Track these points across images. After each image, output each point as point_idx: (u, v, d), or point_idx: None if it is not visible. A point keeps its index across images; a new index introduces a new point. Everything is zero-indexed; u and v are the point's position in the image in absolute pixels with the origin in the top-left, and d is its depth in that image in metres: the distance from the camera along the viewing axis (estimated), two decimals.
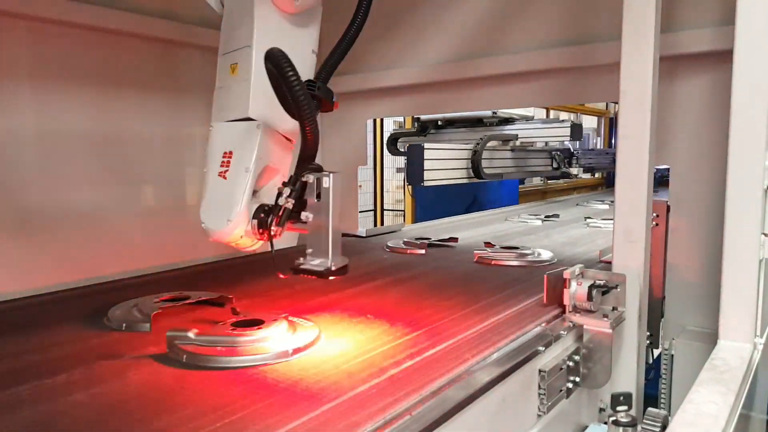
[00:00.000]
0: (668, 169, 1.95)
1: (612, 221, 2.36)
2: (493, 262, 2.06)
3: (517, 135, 4.20)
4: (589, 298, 1.38)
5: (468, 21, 2.41)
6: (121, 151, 2.04)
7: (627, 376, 1.50)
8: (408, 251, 2.31)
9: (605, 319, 1.36)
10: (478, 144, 3.74)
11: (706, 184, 1.92)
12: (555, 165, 4.74)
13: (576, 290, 1.41)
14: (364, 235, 2.64)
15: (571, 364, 1.35)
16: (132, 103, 2.05)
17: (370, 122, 4.51)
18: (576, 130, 4.21)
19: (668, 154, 1.95)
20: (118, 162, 2.02)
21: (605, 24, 2.04)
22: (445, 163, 3.50)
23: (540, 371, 1.24)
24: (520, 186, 6.42)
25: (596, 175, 7.23)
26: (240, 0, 1.28)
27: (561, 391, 1.32)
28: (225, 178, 1.30)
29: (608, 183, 7.51)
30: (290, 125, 1.30)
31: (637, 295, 1.46)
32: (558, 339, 1.33)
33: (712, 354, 1.36)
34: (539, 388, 1.24)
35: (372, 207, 6.02)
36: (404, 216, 5.84)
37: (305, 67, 1.35)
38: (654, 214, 1.73)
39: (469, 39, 2.42)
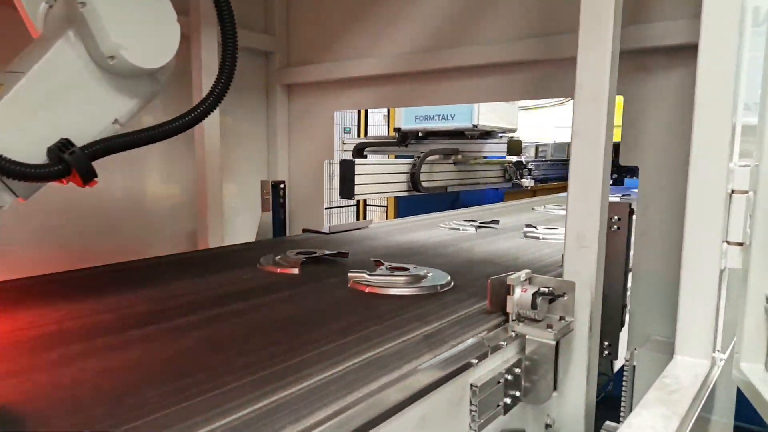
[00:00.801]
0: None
1: (554, 230, 2.32)
2: (367, 290, 1.55)
3: (458, 150, 4.23)
4: (534, 306, 1.28)
5: (437, 11, 2.30)
6: None
7: (576, 391, 1.39)
8: (278, 270, 1.79)
9: (549, 329, 1.25)
10: (417, 158, 3.86)
11: (677, 185, 1.80)
12: (507, 176, 4.92)
13: (520, 297, 1.30)
14: (327, 231, 2.53)
15: (510, 377, 1.25)
16: None
17: (344, 116, 4.32)
18: (513, 146, 4.47)
19: (638, 154, 1.84)
20: None
21: (578, 14, 1.92)
22: (379, 177, 3.58)
23: (472, 386, 1.14)
24: None
25: None
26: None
27: (498, 406, 1.21)
28: None
29: None
30: None
31: (588, 303, 1.36)
32: (497, 350, 1.23)
33: (665, 371, 1.26)
34: (470, 404, 1.14)
35: (354, 202, 5.91)
36: (386, 212, 5.73)
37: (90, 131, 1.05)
38: (615, 217, 1.62)
39: (439, 29, 2.32)
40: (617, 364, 1.83)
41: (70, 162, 0.99)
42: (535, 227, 2.62)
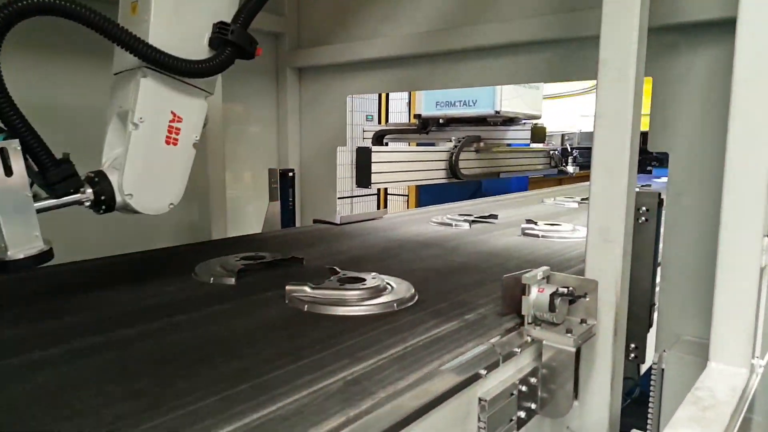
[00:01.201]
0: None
1: (555, 227, 2.18)
2: (306, 308, 1.26)
3: (479, 137, 4.11)
4: (551, 308, 1.16)
5: None
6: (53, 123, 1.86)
7: (599, 400, 1.27)
8: (212, 280, 1.50)
9: (569, 334, 1.13)
10: (456, 146, 3.80)
11: (709, 173, 1.65)
12: (553, 164, 4.87)
13: (536, 298, 1.18)
14: (338, 222, 2.43)
15: (524, 388, 1.13)
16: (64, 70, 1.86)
17: (366, 103, 4.19)
18: (538, 133, 4.28)
19: (667, 138, 1.69)
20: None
21: None
22: (398, 165, 3.45)
23: (480, 400, 1.03)
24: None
25: None
26: None
27: (511, 421, 1.10)
28: (176, 144, 1.21)
29: None
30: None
31: (613, 305, 1.23)
32: (510, 358, 1.11)
33: (698, 381, 1.12)
34: (479, 420, 1.03)
35: (375, 191, 5.79)
36: (407, 201, 5.61)
37: (218, 5, 1.20)
38: (643, 208, 1.48)
39: (456, 6, 2.18)
40: (644, 366, 1.69)
41: (236, 40, 1.16)
42: (534, 223, 2.36)
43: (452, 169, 3.82)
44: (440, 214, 2.68)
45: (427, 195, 5.46)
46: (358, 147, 3.36)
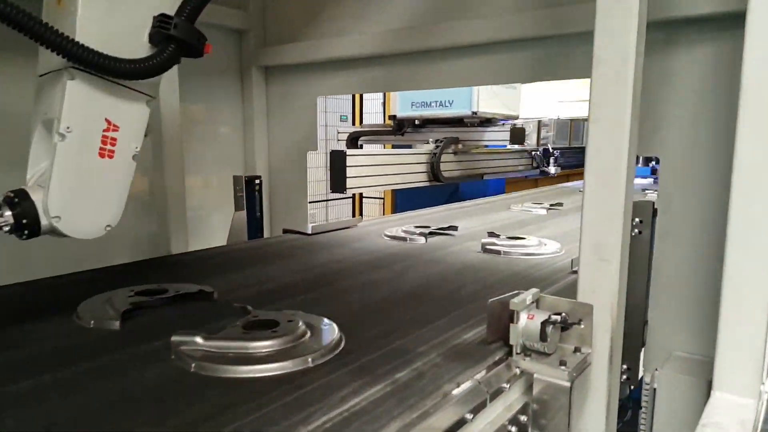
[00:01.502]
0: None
1: (518, 242, 2.02)
2: (193, 367, 0.97)
3: (457, 138, 4.04)
4: (543, 337, 1.03)
5: None
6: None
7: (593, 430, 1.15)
8: (92, 324, 1.21)
9: (562, 367, 1.01)
10: (437, 147, 3.71)
11: (704, 180, 1.56)
12: (534, 165, 4.85)
13: (525, 326, 1.06)
14: (310, 232, 2.28)
15: (513, 429, 1.01)
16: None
17: (339, 103, 4.03)
18: (516, 134, 4.21)
19: (658, 142, 1.59)
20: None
21: None
22: (374, 169, 3.31)
23: None
24: None
25: None
26: None
27: None
28: (111, 156, 1.05)
29: None
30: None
31: (608, 329, 1.11)
32: (498, 395, 0.99)
33: (704, 415, 1.01)
34: None
35: (350, 195, 5.65)
36: (383, 205, 5.48)
37: None
38: (636, 220, 1.38)
39: (432, 1, 2.06)
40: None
41: (180, 35, 1.02)
42: (497, 236, 2.13)
43: (433, 171, 3.74)
44: (397, 226, 2.46)
45: (403, 198, 5.34)
46: (332, 150, 3.23)
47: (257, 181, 2.25)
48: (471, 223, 2.62)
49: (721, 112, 1.51)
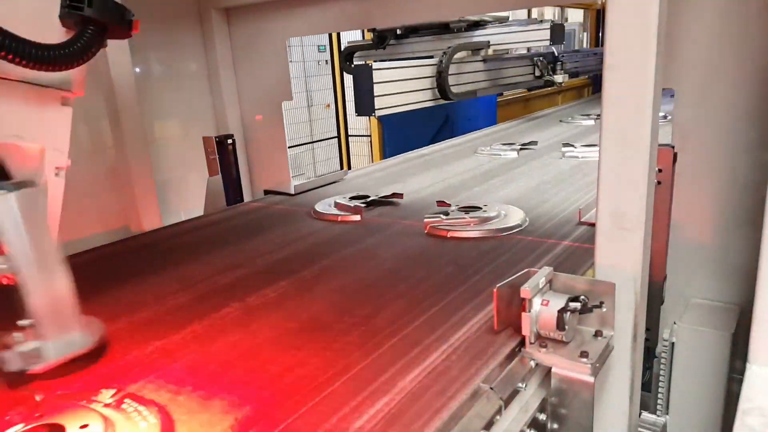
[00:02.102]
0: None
1: (475, 213, 1.68)
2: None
3: (488, 42, 3.55)
4: (560, 326, 0.91)
5: None
6: None
7: (615, 415, 1.05)
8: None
9: (583, 359, 0.89)
10: (442, 57, 3.09)
11: (723, 115, 1.41)
12: (537, 73, 4.13)
13: (540, 314, 0.93)
14: (293, 192, 2.12)
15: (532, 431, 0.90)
16: None
17: (302, 46, 3.81)
18: (557, 32, 3.54)
19: (673, 73, 1.42)
20: None
21: None
22: (401, 84, 2.85)
23: None
24: (498, 96, 5.78)
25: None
26: None
27: None
28: None
29: (595, 86, 6.92)
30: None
31: (632, 306, 0.98)
32: (514, 398, 0.87)
33: (743, 398, 0.90)
34: None
35: (335, 134, 5.41)
36: (371, 143, 5.26)
37: None
38: (656, 169, 1.22)
39: None
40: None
41: (94, 14, 0.81)
42: (445, 213, 1.65)
43: (440, 86, 3.13)
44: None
45: (391, 133, 5.13)
46: (356, 65, 2.86)
47: (230, 141, 2.06)
48: (421, 184, 2.23)
49: (744, 41, 1.33)
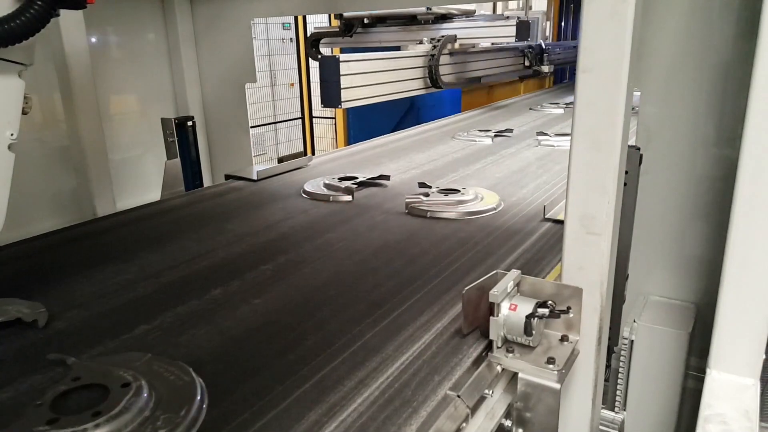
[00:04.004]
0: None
1: (453, 198, 1.70)
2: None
3: (455, 36, 3.59)
4: (528, 332, 0.90)
5: None
6: None
7: (578, 416, 1.06)
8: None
9: (550, 366, 0.88)
10: (434, 48, 3.24)
11: (685, 113, 1.43)
12: (527, 63, 4.50)
13: (508, 318, 0.91)
14: (255, 178, 2.06)
15: None
16: None
17: (266, 23, 3.71)
18: (522, 29, 3.68)
19: (639, 74, 1.42)
20: None
21: None
22: (368, 77, 2.81)
23: None
24: None
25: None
26: None
27: None
28: None
29: (557, 76, 6.98)
30: None
31: (597, 310, 0.98)
32: (480, 405, 0.86)
33: (704, 404, 0.92)
34: None
35: (299, 115, 5.30)
36: (335, 124, 5.19)
37: None
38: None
39: None
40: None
41: None
42: (427, 188, 1.78)
43: (432, 76, 3.31)
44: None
45: (355, 117, 5.07)
46: (323, 56, 2.82)
47: (190, 123, 1.98)
48: (407, 164, 2.27)
49: (710, 40, 1.34)
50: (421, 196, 1.67)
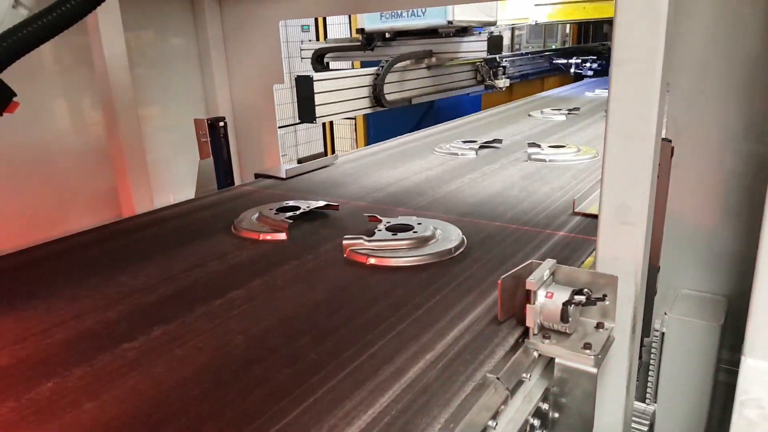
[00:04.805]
0: None
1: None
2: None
3: (431, 51, 3.66)
4: (564, 319, 0.92)
5: None
6: None
7: (612, 407, 1.08)
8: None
9: (587, 351, 0.90)
10: (380, 68, 3.19)
11: (715, 108, 1.43)
12: (479, 78, 4.23)
13: (544, 306, 0.94)
14: (284, 176, 2.10)
15: (536, 422, 0.91)
16: None
17: (285, 26, 3.75)
18: (494, 44, 3.74)
19: (669, 67, 1.43)
20: None
21: None
22: (344, 93, 2.91)
23: None
24: None
25: None
26: None
27: None
28: None
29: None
30: None
31: (632, 298, 1.00)
32: (518, 387, 0.89)
33: (739, 390, 0.93)
34: None
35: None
36: (355, 127, 5.23)
37: None
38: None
39: None
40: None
41: None
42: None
43: (376, 95, 3.20)
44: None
45: (375, 117, 5.10)
46: (298, 76, 2.93)
47: (222, 124, 2.03)
48: (373, 183, 2.01)
49: (738, 30, 1.35)
50: (363, 237, 1.34)
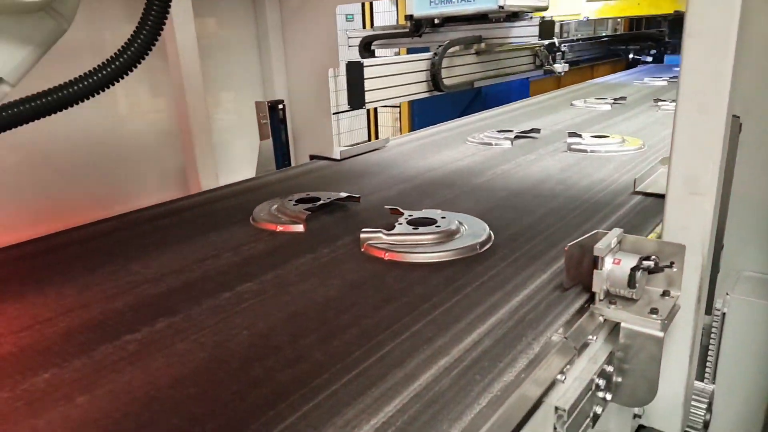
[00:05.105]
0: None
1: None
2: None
3: (480, 37, 3.60)
4: (631, 284, 0.94)
5: None
6: None
7: (676, 376, 1.09)
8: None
9: (653, 316, 0.92)
10: (436, 53, 3.18)
11: None
12: (538, 63, 4.19)
13: (611, 272, 0.96)
14: (339, 158, 2.16)
15: (601, 382, 0.94)
16: None
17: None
18: (546, 29, 3.63)
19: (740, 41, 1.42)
20: None
21: None
22: (393, 79, 2.84)
23: (557, 409, 0.84)
24: None
25: None
26: None
27: (587, 419, 0.92)
28: None
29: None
30: None
31: (698, 269, 1.02)
32: (584, 349, 0.91)
33: None
34: (554, 430, 0.85)
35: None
36: (399, 115, 5.26)
37: None
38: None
39: None
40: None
41: None
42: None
43: (434, 80, 3.21)
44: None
45: (420, 104, 5.12)
46: (347, 62, 2.97)
47: (281, 106, 2.10)
48: (399, 174, 1.93)
49: None
50: (382, 231, 1.26)
